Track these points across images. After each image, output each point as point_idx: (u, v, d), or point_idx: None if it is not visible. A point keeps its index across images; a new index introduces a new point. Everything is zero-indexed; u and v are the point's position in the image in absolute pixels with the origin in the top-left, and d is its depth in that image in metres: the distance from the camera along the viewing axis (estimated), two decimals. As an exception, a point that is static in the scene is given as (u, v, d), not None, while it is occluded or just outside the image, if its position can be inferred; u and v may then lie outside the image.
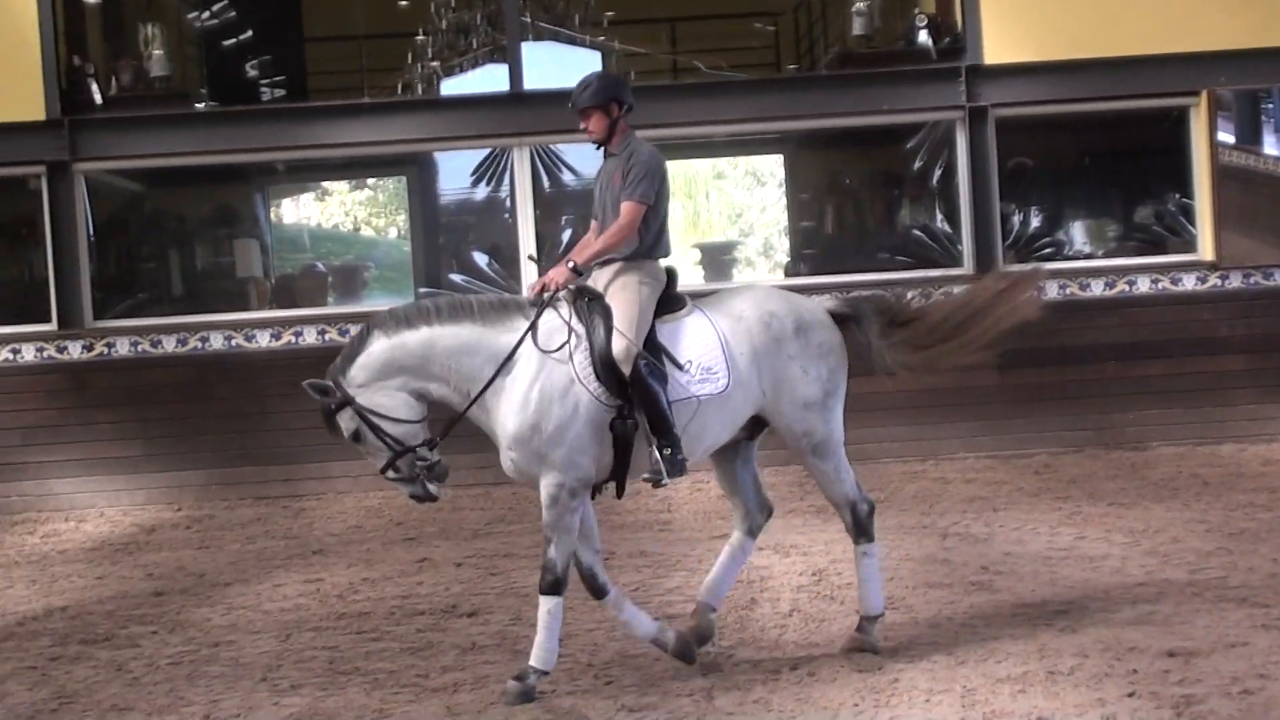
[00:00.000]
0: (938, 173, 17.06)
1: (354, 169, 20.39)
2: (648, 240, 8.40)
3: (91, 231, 16.98)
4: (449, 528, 13.59)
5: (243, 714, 7.96)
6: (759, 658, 8.47)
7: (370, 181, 22.87)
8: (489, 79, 19.56)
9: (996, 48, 16.58)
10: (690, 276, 19.07)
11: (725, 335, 8.33)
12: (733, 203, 22.77)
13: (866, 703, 7.50)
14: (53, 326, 16.73)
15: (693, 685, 7.98)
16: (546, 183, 17.01)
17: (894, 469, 15.44)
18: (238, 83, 19.72)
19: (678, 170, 21.89)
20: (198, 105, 18.07)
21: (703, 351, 8.27)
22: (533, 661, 7.99)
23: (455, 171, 18.43)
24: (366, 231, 23.44)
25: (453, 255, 18.33)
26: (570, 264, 8.22)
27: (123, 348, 16.70)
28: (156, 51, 17.51)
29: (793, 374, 8.39)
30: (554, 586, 7.99)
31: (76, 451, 16.50)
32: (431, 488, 8.16)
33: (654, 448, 8.05)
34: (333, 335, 16.55)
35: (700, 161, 21.87)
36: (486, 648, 9.06)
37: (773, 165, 21.30)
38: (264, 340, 16.69)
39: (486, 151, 17.32)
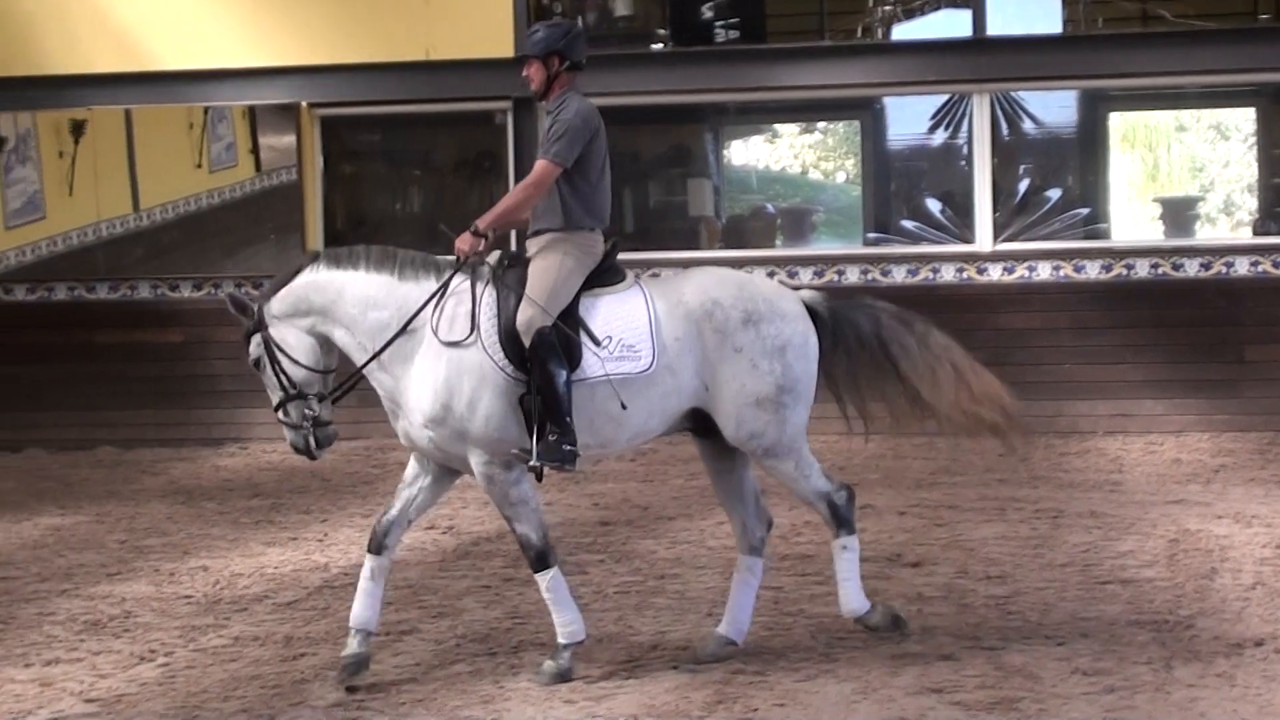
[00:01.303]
0: None
1: (806, 112, 20.32)
2: (575, 207, 7.80)
3: (550, 165, 17.35)
4: (891, 475, 13.49)
5: (690, 645, 8.03)
6: (1220, 630, 8.12)
7: (820, 125, 22.78)
8: (950, 23, 19.22)
9: None
10: (1150, 231, 18.50)
11: (658, 315, 7.69)
12: (1194, 156, 21.93)
13: (1339, 685, 7.13)
14: (511, 257, 17.17)
15: (1150, 654, 7.70)
16: (1006, 131, 16.68)
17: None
18: (697, 24, 19.86)
19: (1139, 121, 21.20)
20: (655, 46, 18.28)
21: (626, 328, 7.67)
22: (561, 639, 7.67)
23: (910, 117, 18.22)
24: (814, 174, 23.38)
25: (904, 201, 18.12)
26: (473, 228, 7.73)
27: (576, 280, 17.04)
28: (621, -9, 17.82)
29: (739, 369, 7.66)
30: (540, 560, 7.70)
31: (529, 380, 16.90)
32: (312, 443, 7.84)
33: (536, 426, 7.53)
34: (781, 277, 16.58)
35: (1162, 113, 21.12)
36: (933, 599, 8.94)
37: (1240, 119, 20.43)
38: (710, 280, 16.81)
39: (944, 98, 17.07)
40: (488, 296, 7.69)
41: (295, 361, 7.79)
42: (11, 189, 18.19)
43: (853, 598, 7.87)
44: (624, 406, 7.59)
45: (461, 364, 7.60)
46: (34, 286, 17.95)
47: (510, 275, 7.72)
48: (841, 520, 7.89)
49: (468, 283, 7.72)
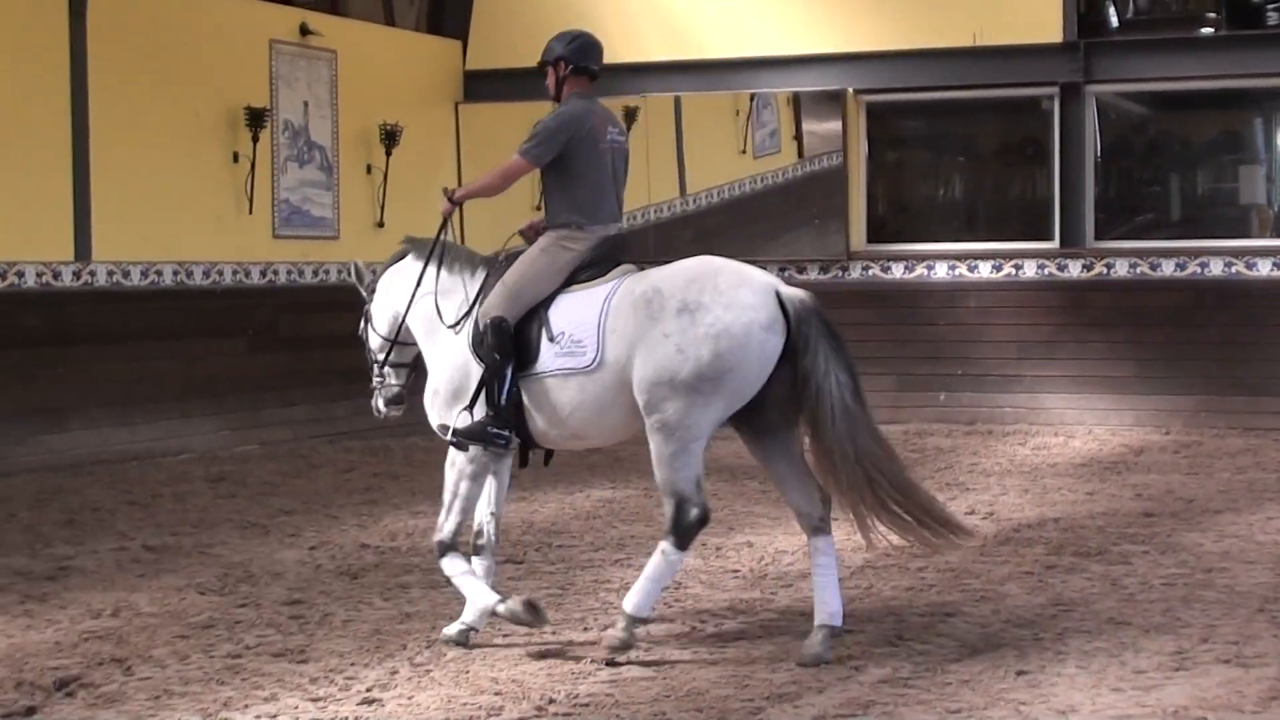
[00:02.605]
0: None
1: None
2: (557, 205, 8.16)
3: (1098, 153, 17.13)
4: None
5: (1240, 642, 7.83)
6: None
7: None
8: None
9: None
10: None
11: (609, 308, 7.79)
12: None
13: None
14: (1054, 245, 17.05)
15: None
16: None
17: None
18: (1250, 7, 19.21)
19: None
20: (1205, 30, 17.78)
21: (578, 324, 7.85)
22: (465, 617, 8.08)
23: None
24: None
25: None
26: (449, 193, 8.43)
27: (1121, 269, 16.80)
28: (1176, -28, 17.46)
29: (665, 353, 7.54)
30: (440, 549, 8.16)
31: (1069, 368, 16.79)
32: (379, 403, 8.68)
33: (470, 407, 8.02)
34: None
35: None
36: None
37: None
38: (1264, 269, 16.34)
39: None
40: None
41: (376, 330, 8.69)
42: (567, 174, 19.01)
43: (642, 599, 7.76)
44: (569, 400, 7.90)
45: (453, 348, 8.23)
46: (587, 268, 18.70)
47: (500, 269, 8.25)
48: (679, 530, 7.72)
49: (479, 277, 8.33)
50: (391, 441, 16.71)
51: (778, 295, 7.62)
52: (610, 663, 7.62)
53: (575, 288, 8.03)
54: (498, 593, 8.10)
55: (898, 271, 17.55)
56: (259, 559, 10.40)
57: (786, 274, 17.87)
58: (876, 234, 17.99)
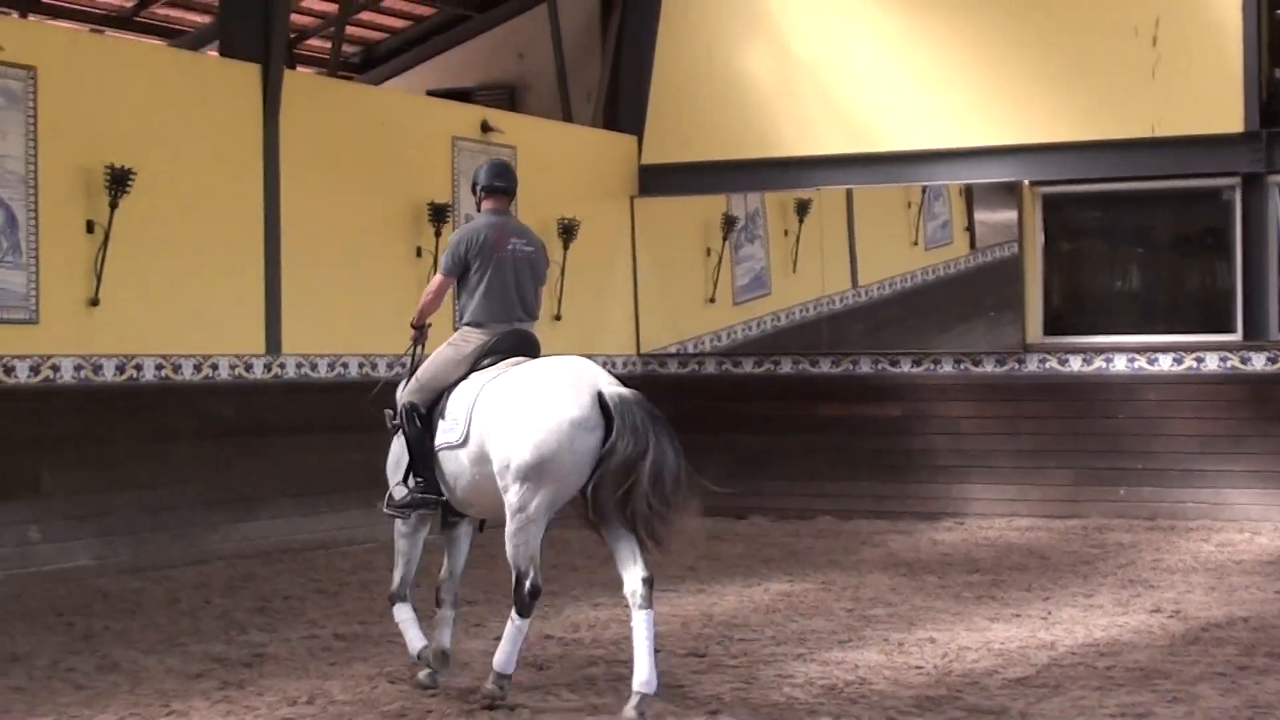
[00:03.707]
0: None
1: None
2: (463, 308, 9.33)
3: (1281, 245, 16.98)
4: None
5: None
6: None
7: None
8: None
9: None
10: None
11: (480, 393, 8.81)
12: None
13: None
14: (1237, 337, 16.87)
15: None
16: None
17: None
18: None
19: None
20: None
21: (459, 406, 8.91)
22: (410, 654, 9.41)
23: None
24: None
25: None
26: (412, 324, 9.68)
27: (1307, 361, 16.61)
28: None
29: (503, 442, 8.59)
30: (391, 598, 9.50)
31: (1254, 463, 16.56)
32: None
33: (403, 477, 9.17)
34: None
35: None
36: None
37: None
38: None
39: None
40: None
41: None
42: (740, 266, 19.18)
43: (503, 658, 8.71)
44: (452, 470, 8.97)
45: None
46: (760, 360, 18.84)
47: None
48: (518, 602, 8.60)
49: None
50: (569, 533, 16.81)
51: (600, 396, 8.45)
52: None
53: (474, 374, 9.08)
54: (425, 638, 9.35)
55: (1075, 364, 17.44)
56: (446, 649, 10.53)
57: (962, 366, 17.86)
58: (1053, 326, 17.92)
